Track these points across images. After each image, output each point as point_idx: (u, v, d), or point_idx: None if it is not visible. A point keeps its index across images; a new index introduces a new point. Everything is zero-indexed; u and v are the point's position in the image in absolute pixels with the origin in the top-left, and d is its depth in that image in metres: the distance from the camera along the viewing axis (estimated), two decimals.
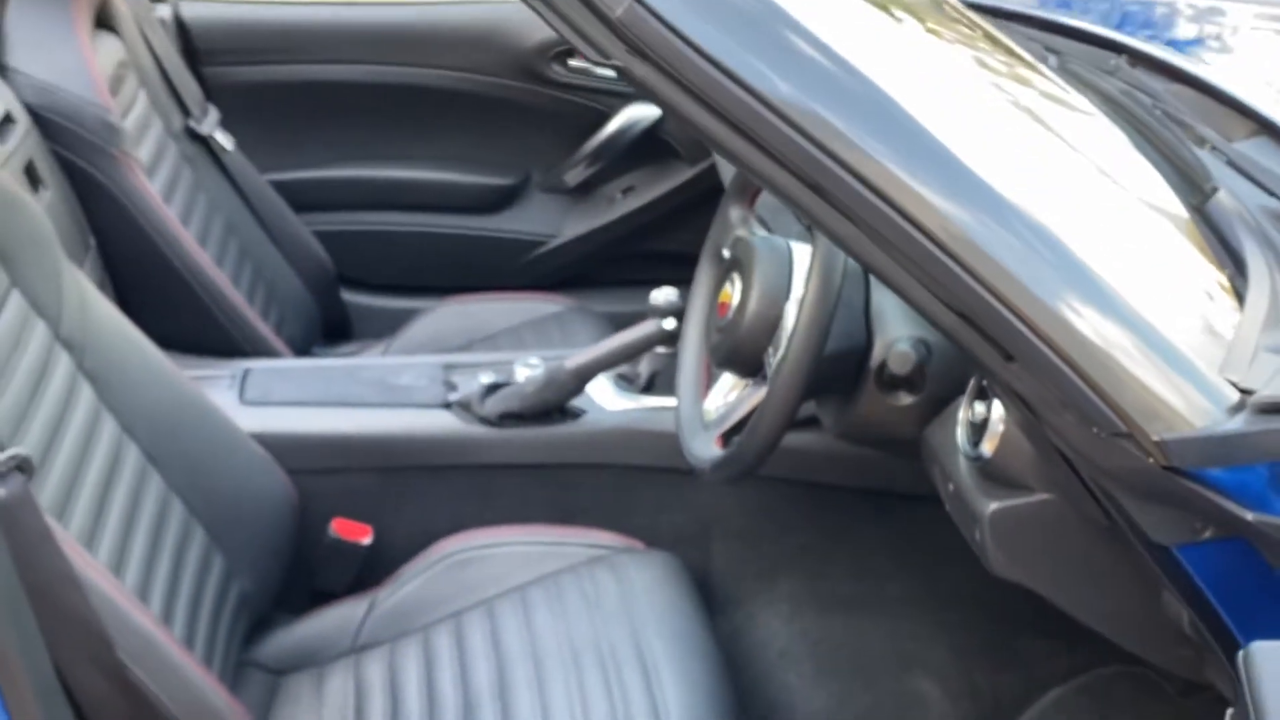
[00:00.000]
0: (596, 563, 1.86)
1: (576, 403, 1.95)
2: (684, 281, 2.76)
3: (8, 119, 1.91)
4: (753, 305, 1.51)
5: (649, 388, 2.00)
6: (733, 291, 1.56)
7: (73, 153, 2.05)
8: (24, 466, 1.26)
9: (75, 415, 1.56)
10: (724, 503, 1.96)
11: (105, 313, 1.70)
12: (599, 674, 1.66)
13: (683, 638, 1.71)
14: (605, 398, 1.98)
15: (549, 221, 2.83)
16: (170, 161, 2.27)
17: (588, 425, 1.94)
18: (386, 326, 2.63)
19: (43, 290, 1.57)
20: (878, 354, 1.49)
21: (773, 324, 1.51)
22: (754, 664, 1.90)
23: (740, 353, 1.54)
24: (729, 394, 1.65)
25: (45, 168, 1.98)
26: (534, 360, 2.02)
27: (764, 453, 1.47)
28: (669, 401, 1.98)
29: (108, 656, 1.31)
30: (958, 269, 1.14)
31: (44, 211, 1.66)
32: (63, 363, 1.58)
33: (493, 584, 1.85)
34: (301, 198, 2.66)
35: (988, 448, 1.33)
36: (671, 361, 2.00)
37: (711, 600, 1.93)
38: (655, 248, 2.80)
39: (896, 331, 1.48)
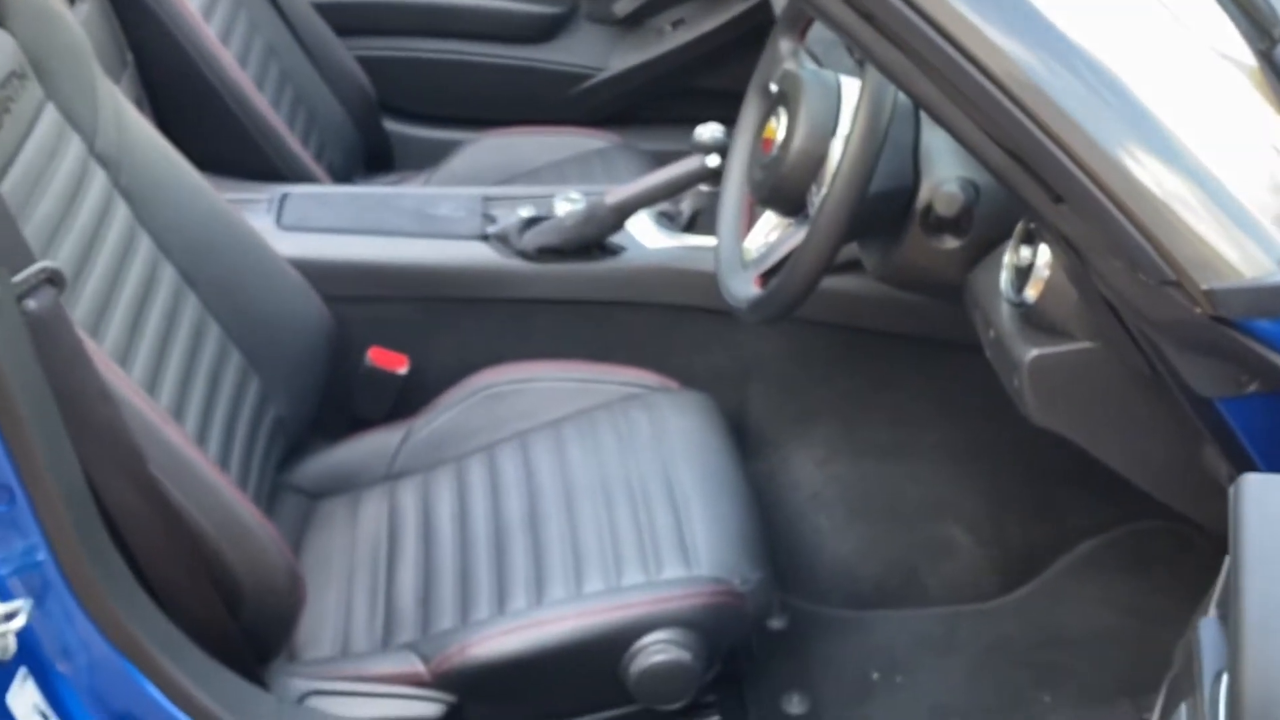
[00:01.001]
0: (631, 400, 1.85)
1: (616, 239, 1.92)
2: (732, 119, 2.75)
3: None
4: (798, 141, 1.47)
5: (690, 226, 1.96)
6: (777, 127, 1.52)
7: None
8: (55, 279, 1.26)
9: (110, 232, 1.55)
10: (763, 345, 1.94)
11: (142, 130, 1.67)
12: (628, 507, 1.66)
13: (714, 476, 1.71)
14: (646, 235, 1.95)
15: (596, 54, 2.76)
16: None
17: (627, 262, 1.91)
18: (428, 157, 2.59)
19: (78, 104, 1.55)
20: (924, 195, 1.45)
21: (818, 161, 1.47)
22: (785, 506, 1.90)
23: (783, 190, 1.50)
24: (770, 233, 1.61)
25: None
26: (574, 195, 1.98)
27: (802, 293, 1.44)
28: (711, 241, 1.94)
29: (139, 470, 1.32)
30: (1010, 104, 1.10)
31: (80, 25, 1.63)
32: (98, 179, 1.57)
33: (527, 418, 1.85)
34: (344, 21, 2.60)
35: (1031, 293, 1.30)
36: (714, 200, 1.96)
37: (745, 442, 1.92)
38: (704, 84, 2.73)
39: (944, 172, 1.44)
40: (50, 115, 1.51)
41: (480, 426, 1.85)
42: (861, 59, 1.71)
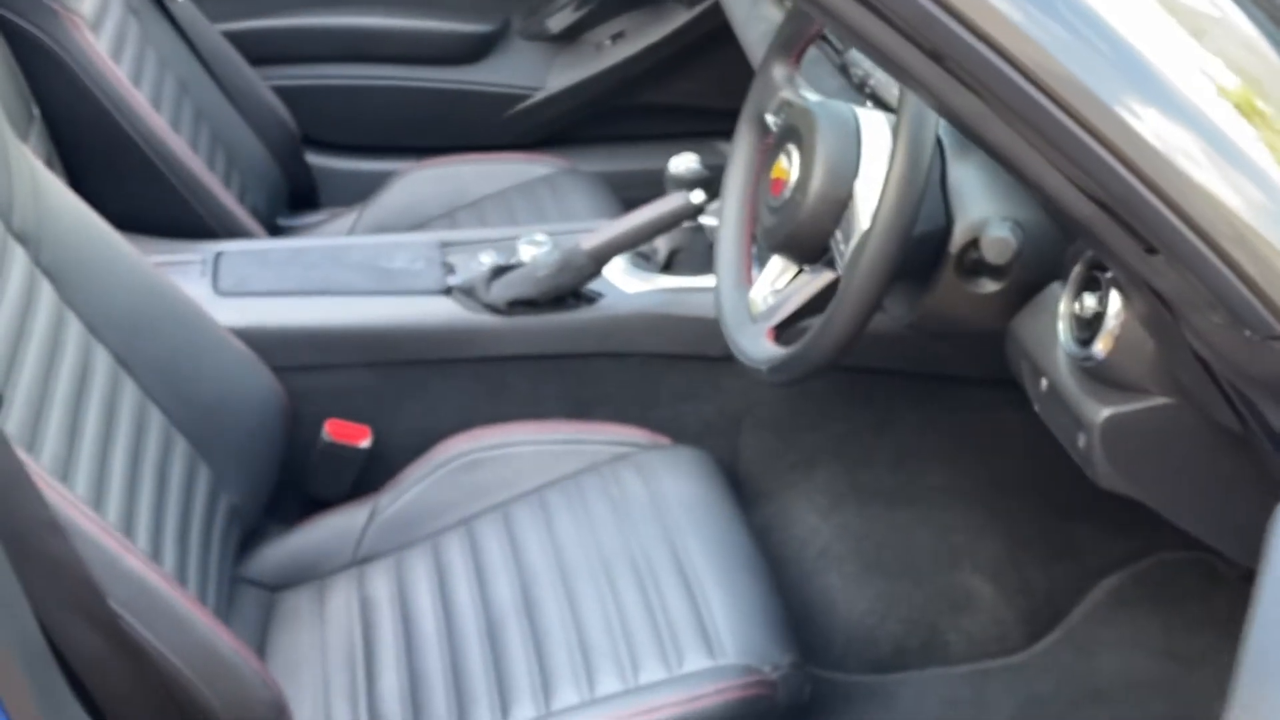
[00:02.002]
0: (620, 461, 1.70)
1: (592, 285, 1.76)
2: (681, 137, 2.60)
3: None
4: (816, 184, 1.32)
5: (668, 266, 1.81)
6: (789, 167, 1.37)
7: (8, 9, 1.79)
8: None
9: (37, 321, 1.35)
10: (753, 391, 1.80)
11: (60, 197, 1.48)
12: (635, 588, 1.51)
13: (724, 546, 1.57)
14: (621, 279, 1.79)
15: (531, 73, 2.60)
16: (115, 15, 2.00)
17: (605, 310, 1.76)
18: (357, 192, 2.41)
19: None
20: (959, 236, 1.31)
21: (839, 205, 1.32)
22: (791, 564, 1.77)
23: (800, 237, 1.35)
24: (777, 281, 1.47)
25: None
26: (540, 237, 1.82)
27: (837, 352, 1.30)
28: (692, 282, 1.80)
29: (98, 608, 1.14)
30: (1103, 151, 0.97)
31: None
32: (18, 260, 1.37)
33: (506, 487, 1.69)
34: (257, 50, 2.40)
35: (1101, 347, 1.17)
36: (692, 237, 1.82)
37: (740, 494, 1.78)
38: (650, 100, 2.59)
39: (979, 211, 1.31)
40: None
41: (454, 500, 1.69)
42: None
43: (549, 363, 1.77)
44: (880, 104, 1.54)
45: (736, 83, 2.54)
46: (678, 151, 2.62)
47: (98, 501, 1.31)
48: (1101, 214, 1.02)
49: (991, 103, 0.99)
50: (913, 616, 1.73)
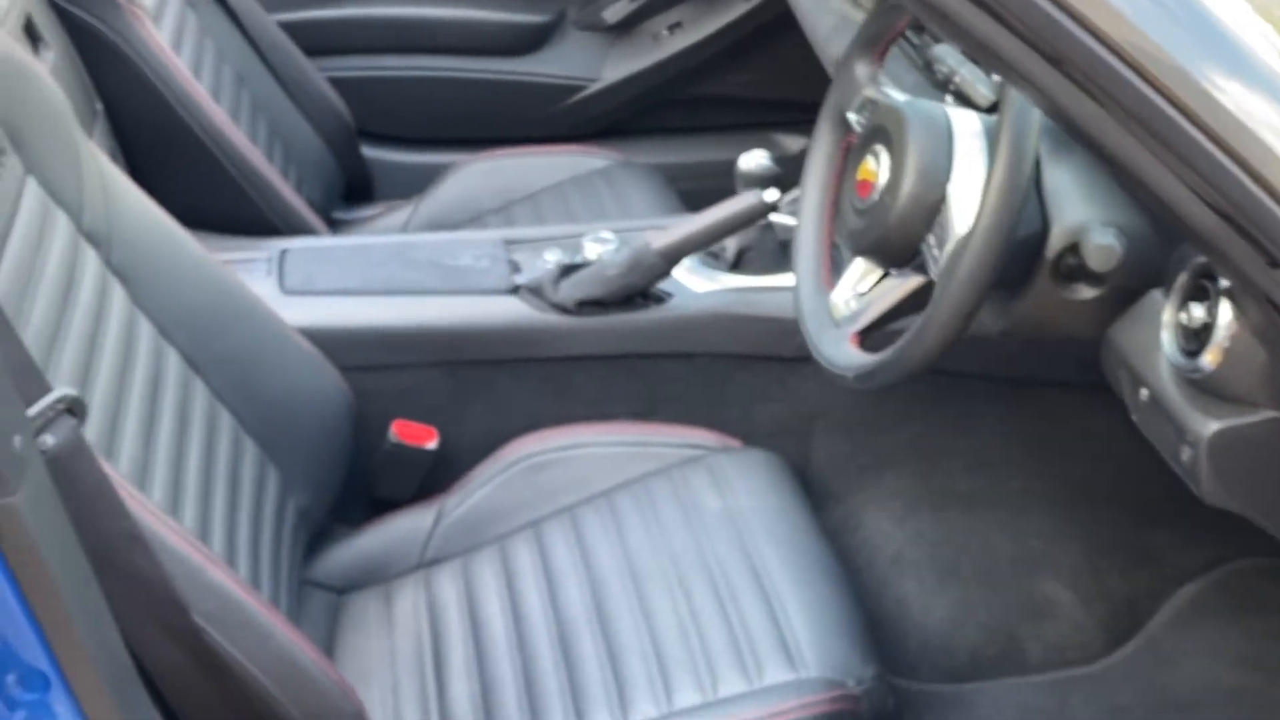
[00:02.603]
0: (689, 464, 1.67)
1: (660, 284, 1.73)
2: (738, 128, 2.57)
3: None
4: (908, 186, 1.28)
5: (737, 264, 1.78)
6: (877, 168, 1.33)
7: (71, 2, 1.77)
8: (75, 409, 1.04)
9: (110, 324, 1.33)
10: (826, 392, 1.76)
11: (129, 194, 1.45)
12: (710, 596, 1.48)
13: (800, 553, 1.54)
14: (690, 278, 1.76)
15: (587, 64, 2.55)
16: (174, 6, 1.98)
17: (675, 310, 1.72)
18: (412, 185, 2.38)
19: (62, 176, 1.33)
20: (1056, 241, 1.27)
21: (932, 208, 1.28)
22: (864, 570, 1.73)
23: (890, 240, 1.31)
24: (860, 284, 1.43)
25: (45, 24, 1.69)
26: (605, 234, 1.79)
27: (931, 360, 1.26)
28: (762, 281, 1.77)
29: (182, 622, 1.12)
30: (1229, 162, 0.94)
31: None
32: (90, 261, 1.34)
33: (573, 489, 1.66)
34: (313, 41, 2.37)
35: (1210, 359, 1.13)
36: (762, 235, 1.79)
37: (810, 497, 1.74)
38: (706, 91, 2.54)
39: (1078, 215, 1.27)
40: (33, 193, 1.28)
41: (522, 502, 1.66)
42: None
43: (617, 363, 1.74)
44: (965, 101, 1.50)
45: (795, 74, 2.51)
46: (734, 143, 2.58)
47: (174, 508, 1.29)
48: (1224, 225, 0.98)
49: (1112, 109, 0.95)
50: (990, 624, 1.70)
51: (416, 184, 2.37)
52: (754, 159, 1.74)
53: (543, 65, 2.56)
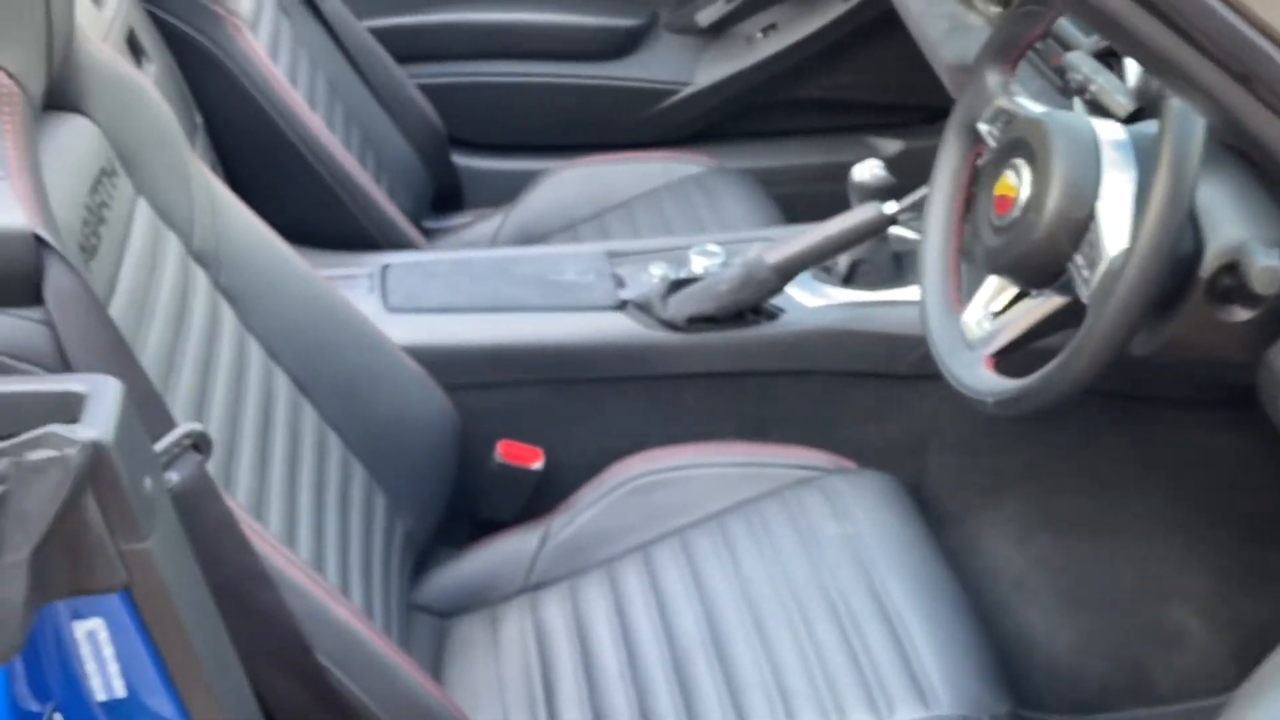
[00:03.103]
0: (803, 486, 1.61)
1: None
2: (832, 131, 2.51)
3: None
4: (1053, 202, 1.22)
5: (849, 278, 1.72)
6: (1018, 183, 1.27)
7: (172, 14, 1.74)
8: (200, 445, 1.01)
9: (222, 347, 1.29)
10: (942, 410, 1.70)
11: (235, 213, 1.42)
12: (832, 625, 1.43)
13: (923, 579, 1.48)
14: (801, 292, 1.70)
15: (679, 67, 2.50)
16: (269, 16, 1.95)
17: (788, 327, 1.67)
18: (501, 192, 2.34)
19: (171, 196, 1.29)
20: (1212, 260, 1.20)
21: (1079, 226, 1.22)
22: (983, 596, 1.67)
23: (1032, 259, 1.25)
24: (993, 303, 1.37)
25: (146, 36, 1.66)
26: (712, 248, 1.74)
27: (1081, 386, 1.20)
28: (877, 295, 1.71)
29: (307, 661, 1.08)
30: None
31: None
32: (200, 283, 1.31)
33: (683, 512, 1.60)
34: (404, 47, 2.34)
35: None
36: (876, 247, 1.72)
37: (925, 519, 1.69)
38: (801, 94, 2.48)
39: (1235, 233, 1.19)
40: (144, 214, 1.25)
41: (630, 524, 1.61)
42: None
43: (726, 381, 1.69)
44: (1099, 110, 1.44)
45: (891, 76, 2.46)
46: (828, 146, 2.53)
47: (290, 538, 1.26)
48: None
49: None
50: (1118, 653, 1.63)
51: (506, 191, 2.33)
52: (868, 169, 1.68)
53: (634, 70, 2.51)
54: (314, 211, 1.85)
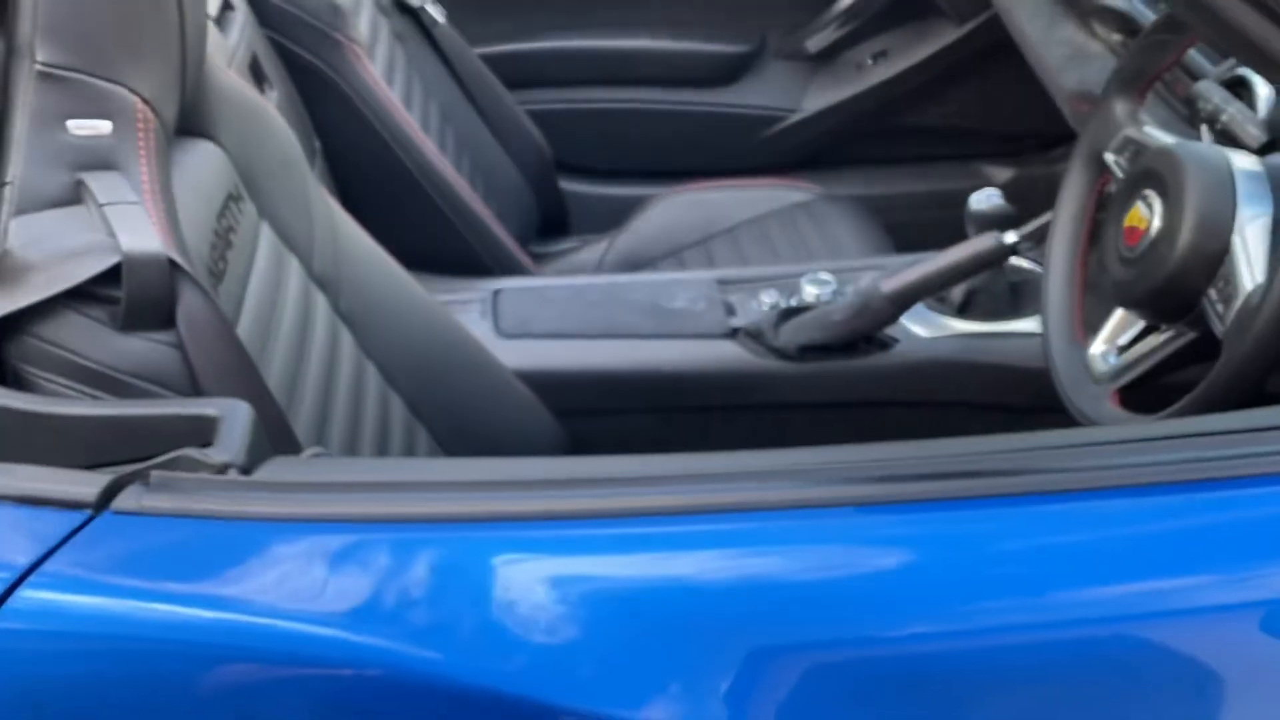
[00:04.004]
0: None
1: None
2: (943, 159, 2.48)
3: (227, 5, 1.62)
4: (1186, 235, 1.19)
5: (964, 309, 1.69)
6: (1149, 215, 1.24)
7: (294, 41, 1.77)
8: None
9: (341, 370, 1.31)
10: None
11: (355, 238, 1.43)
12: None
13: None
14: (915, 322, 1.68)
15: (787, 94, 2.48)
16: (385, 42, 1.98)
17: (901, 356, 1.65)
18: (607, 218, 2.33)
19: (293, 221, 1.31)
20: None
21: (1214, 260, 1.18)
22: None
23: (1164, 293, 1.22)
24: (1120, 337, 1.34)
25: (269, 63, 1.69)
26: (824, 276, 1.72)
27: None
28: (993, 326, 1.68)
29: None
30: None
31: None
32: (320, 306, 1.32)
33: None
34: (513, 74, 2.36)
35: None
36: (991, 277, 1.69)
37: None
38: (911, 122, 2.45)
39: None
40: (267, 238, 1.27)
41: None
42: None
43: (837, 411, 1.67)
44: (1230, 141, 1.40)
45: (1002, 104, 2.42)
46: (937, 174, 2.49)
47: None
48: None
49: None
50: None
51: (612, 217, 2.32)
52: (986, 197, 1.65)
53: (742, 96, 2.50)
54: (428, 236, 1.86)
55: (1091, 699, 0.76)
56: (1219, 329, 1.18)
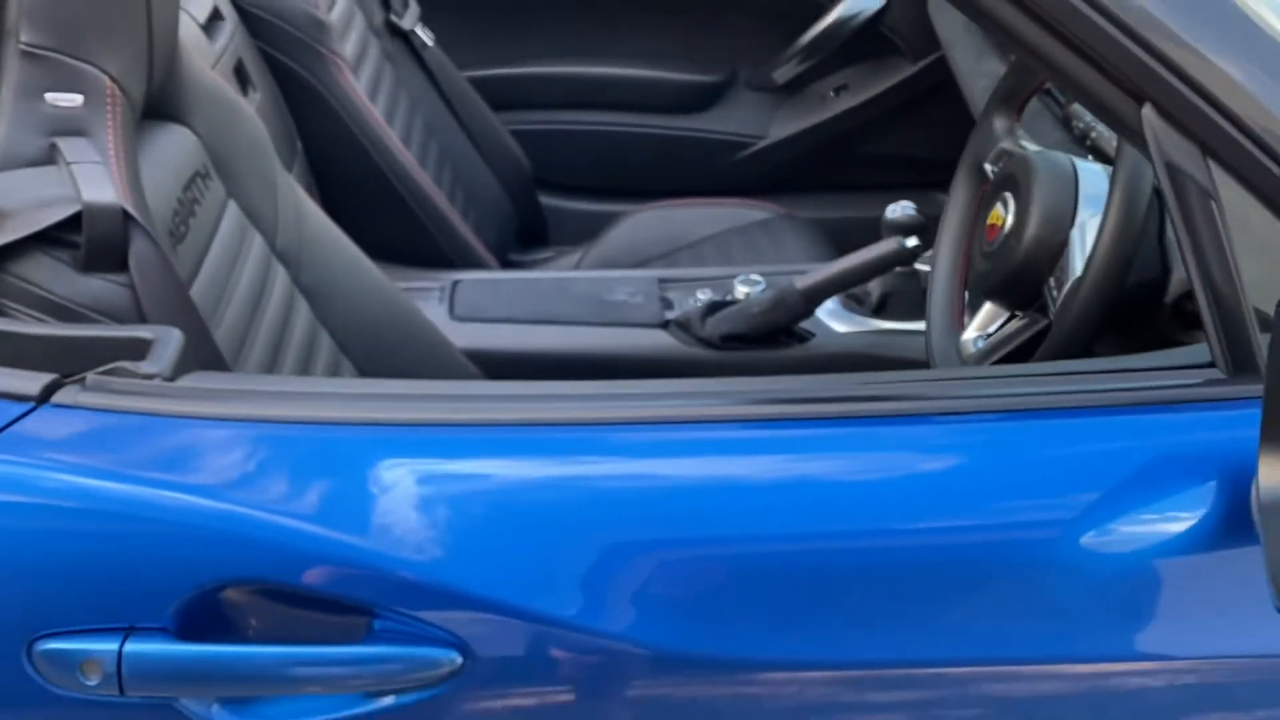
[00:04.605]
0: None
1: (803, 324, 1.81)
2: (899, 187, 2.63)
3: (215, 15, 1.82)
4: (1032, 229, 1.34)
5: (880, 309, 1.85)
6: (1005, 213, 1.39)
7: (280, 51, 1.96)
8: None
9: (294, 334, 1.48)
10: None
11: (320, 224, 1.61)
12: None
13: None
14: (834, 319, 1.84)
15: (755, 122, 2.66)
16: (373, 59, 2.17)
17: (816, 349, 1.81)
18: (584, 232, 2.51)
19: (260, 201, 1.49)
20: (1175, 287, 1.31)
21: (1055, 251, 1.34)
22: None
23: (1013, 282, 1.37)
24: (988, 326, 1.49)
25: (254, 68, 1.89)
26: (755, 276, 1.89)
27: None
28: (903, 325, 1.84)
29: None
30: None
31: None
32: (280, 278, 1.50)
33: None
34: (499, 96, 2.54)
35: None
36: (906, 282, 1.85)
37: None
38: (870, 150, 2.62)
39: None
40: (232, 214, 1.44)
41: None
42: (1082, 140, 1.60)
43: None
44: (1102, 157, 1.55)
45: (956, 135, 2.56)
46: (893, 200, 2.65)
47: None
48: None
49: (1206, 150, 1.00)
50: None
51: (588, 231, 2.50)
52: (900, 208, 1.81)
53: (713, 122, 2.67)
54: (397, 232, 2.04)
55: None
56: (1052, 313, 1.33)
